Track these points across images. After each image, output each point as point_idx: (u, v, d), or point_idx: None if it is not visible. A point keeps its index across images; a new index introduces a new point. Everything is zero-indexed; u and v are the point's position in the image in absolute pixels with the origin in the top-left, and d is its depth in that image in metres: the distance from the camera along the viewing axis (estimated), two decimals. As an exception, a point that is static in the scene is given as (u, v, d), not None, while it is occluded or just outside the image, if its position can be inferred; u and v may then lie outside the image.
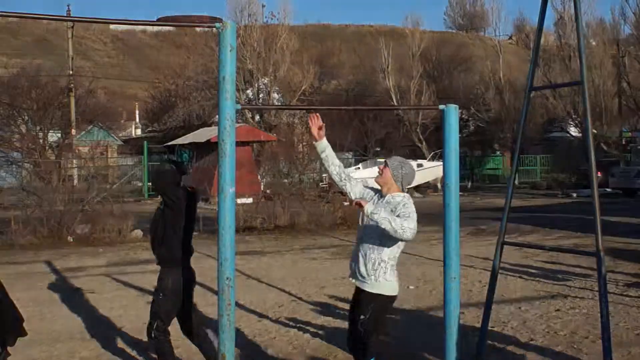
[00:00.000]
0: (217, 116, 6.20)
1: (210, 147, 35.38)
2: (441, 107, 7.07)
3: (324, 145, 7.10)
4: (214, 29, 5.50)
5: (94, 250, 19.29)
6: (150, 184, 28.02)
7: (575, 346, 9.23)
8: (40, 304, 12.22)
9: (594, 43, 52.65)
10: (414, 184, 43.35)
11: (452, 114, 7.08)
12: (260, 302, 12.22)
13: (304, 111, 48.38)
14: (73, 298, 12.90)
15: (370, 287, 7.06)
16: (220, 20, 5.89)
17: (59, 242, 20.59)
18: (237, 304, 9.91)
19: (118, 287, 13.86)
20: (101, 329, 10.57)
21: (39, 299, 12.74)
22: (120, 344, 9.73)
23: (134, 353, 9.29)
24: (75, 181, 28.80)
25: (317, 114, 7.03)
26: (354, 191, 7.23)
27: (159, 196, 7.64)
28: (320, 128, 7.00)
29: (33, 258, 18.20)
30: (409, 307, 11.86)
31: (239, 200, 23.56)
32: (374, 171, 39.06)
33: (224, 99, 5.75)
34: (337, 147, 37.33)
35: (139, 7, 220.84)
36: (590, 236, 18.04)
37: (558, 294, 12.61)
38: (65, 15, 48.47)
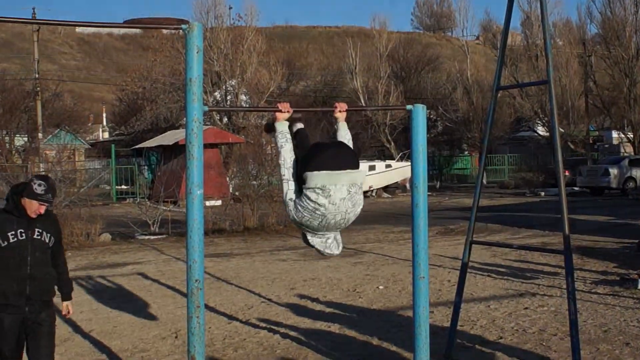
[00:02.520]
0: (184, 118, 6.18)
1: (178, 150, 35.25)
2: (408, 107, 7.07)
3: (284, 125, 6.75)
4: (180, 30, 5.48)
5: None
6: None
7: (544, 344, 9.28)
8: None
9: (560, 43, 53.03)
10: (384, 183, 43.59)
11: (420, 114, 7.09)
12: (229, 304, 12.19)
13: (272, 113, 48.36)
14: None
15: None
16: (186, 22, 5.87)
17: (26, 247, 20.39)
18: (207, 306, 9.89)
19: (87, 291, 13.78)
20: (70, 332, 10.51)
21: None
22: (90, 347, 9.68)
23: (103, 357, 9.24)
24: (43, 185, 28.55)
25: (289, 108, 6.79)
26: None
27: None
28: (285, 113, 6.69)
29: None
30: (378, 306, 11.88)
31: (208, 203, 23.51)
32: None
33: (191, 101, 5.73)
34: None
35: (105, 10, 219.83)
36: (558, 234, 18.18)
37: (526, 292, 12.67)
38: (30, 18, 48.18)
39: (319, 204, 5.86)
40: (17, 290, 6.40)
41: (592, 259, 16.21)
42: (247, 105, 48.61)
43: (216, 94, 47.63)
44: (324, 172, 5.86)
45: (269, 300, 12.52)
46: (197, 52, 5.56)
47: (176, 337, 9.91)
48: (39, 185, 6.49)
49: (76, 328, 10.73)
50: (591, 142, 54.25)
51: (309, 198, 5.87)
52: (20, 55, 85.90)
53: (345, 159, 6.12)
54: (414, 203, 7.17)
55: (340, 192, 5.94)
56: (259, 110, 53.75)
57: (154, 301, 12.30)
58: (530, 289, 12.89)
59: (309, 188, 5.86)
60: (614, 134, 55.16)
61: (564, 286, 9.47)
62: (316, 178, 5.83)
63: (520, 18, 52.96)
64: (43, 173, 6.63)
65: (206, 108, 5.91)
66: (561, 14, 60.49)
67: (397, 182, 45.38)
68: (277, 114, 6.60)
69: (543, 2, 8.14)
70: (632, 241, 18.52)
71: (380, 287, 13.54)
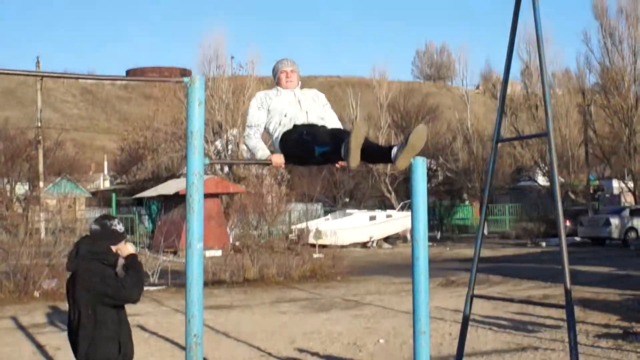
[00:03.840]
0: (185, 168, 6.18)
1: (179, 199, 35.22)
2: (409, 160, 7.05)
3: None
4: (182, 83, 5.47)
5: (60, 306, 19.02)
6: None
7: (546, 399, 9.18)
8: (5, 362, 12.02)
9: (560, 92, 53.22)
10: (384, 234, 43.49)
11: (420, 166, 7.08)
12: (229, 358, 12.08)
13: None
14: (39, 355, 12.69)
15: None
16: (189, 72, 5.87)
17: (25, 297, 20.29)
18: (206, 360, 9.77)
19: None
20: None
21: (3, 356, 12.52)
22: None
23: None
24: (43, 234, 28.53)
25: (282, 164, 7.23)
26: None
27: None
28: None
29: (-2, 314, 17.95)
30: (379, 360, 11.77)
31: (208, 253, 23.43)
32: (342, 222, 38.90)
33: (192, 153, 5.71)
34: (306, 198, 37.31)
35: (108, 59, 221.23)
36: (560, 286, 18.01)
37: (529, 345, 12.55)
38: (35, 68, 48.45)
39: None
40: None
41: (595, 312, 16.09)
42: (248, 155, 48.62)
43: (217, 143, 47.70)
44: None
45: (269, 354, 12.40)
46: (198, 105, 5.55)
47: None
48: (117, 222, 6.29)
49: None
50: (592, 191, 54.23)
51: None
52: (23, 104, 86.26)
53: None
54: (415, 256, 7.12)
55: None
56: (259, 163, 53.78)
57: (152, 354, 12.18)
58: (533, 343, 12.78)
59: None
60: (615, 184, 55.20)
61: (567, 339, 9.36)
62: None
63: (519, 67, 53.23)
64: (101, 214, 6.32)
65: (207, 161, 5.90)
66: (560, 64, 60.66)
67: (397, 233, 45.29)
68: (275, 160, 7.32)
69: (542, 53, 8.15)
70: (634, 293, 18.42)
71: (381, 340, 13.42)
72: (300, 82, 7.62)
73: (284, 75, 7.47)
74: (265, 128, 7.53)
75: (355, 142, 6.68)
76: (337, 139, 6.92)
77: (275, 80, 7.62)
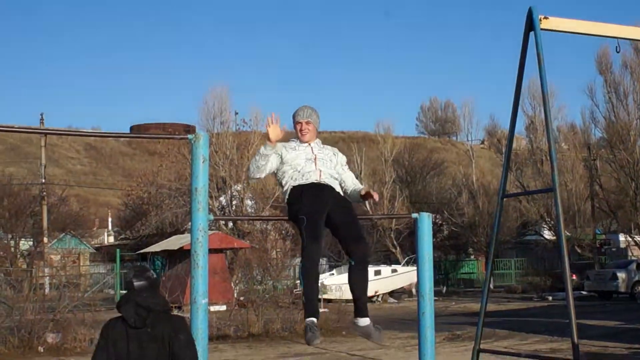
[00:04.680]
0: (189, 223, 6.17)
1: (183, 254, 35.15)
2: (414, 215, 7.08)
3: (273, 149, 7.27)
4: (187, 140, 5.49)
5: (64, 361, 18.96)
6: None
7: None
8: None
9: (565, 147, 53.34)
10: (390, 288, 43.35)
11: (425, 222, 7.08)
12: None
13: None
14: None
15: None
16: (193, 128, 5.89)
17: (29, 352, 20.23)
18: (210, 417, 9.70)
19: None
20: None
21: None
22: None
23: None
24: (47, 289, 28.53)
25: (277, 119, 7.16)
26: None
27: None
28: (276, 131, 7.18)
29: (2, 370, 17.87)
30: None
31: (212, 308, 23.35)
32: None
33: (197, 210, 5.73)
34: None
35: (112, 114, 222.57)
36: (568, 340, 17.91)
37: (536, 401, 12.44)
38: (39, 124, 48.71)
39: None
40: None
41: (602, 366, 15.97)
42: (253, 211, 48.62)
43: (221, 198, 47.78)
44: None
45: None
46: (202, 162, 5.57)
47: None
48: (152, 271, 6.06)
49: None
50: (598, 245, 54.03)
51: None
52: (28, 160, 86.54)
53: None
54: (421, 311, 7.09)
55: None
56: (263, 219, 53.86)
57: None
58: (540, 398, 12.66)
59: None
60: (621, 237, 54.97)
61: (575, 396, 9.27)
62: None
63: (524, 123, 53.40)
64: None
65: (211, 217, 5.91)
66: (565, 119, 60.89)
67: (403, 287, 45.15)
68: (269, 135, 7.12)
69: (547, 109, 8.19)
70: (642, 347, 18.30)
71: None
72: (317, 134, 7.52)
73: (299, 127, 7.37)
74: (274, 173, 7.44)
75: None
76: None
77: (295, 129, 7.53)
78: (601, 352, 18.22)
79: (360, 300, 7.01)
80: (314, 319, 6.80)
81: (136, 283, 5.70)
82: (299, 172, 7.24)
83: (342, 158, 7.64)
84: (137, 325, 5.58)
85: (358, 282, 6.99)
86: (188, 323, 5.88)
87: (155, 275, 5.82)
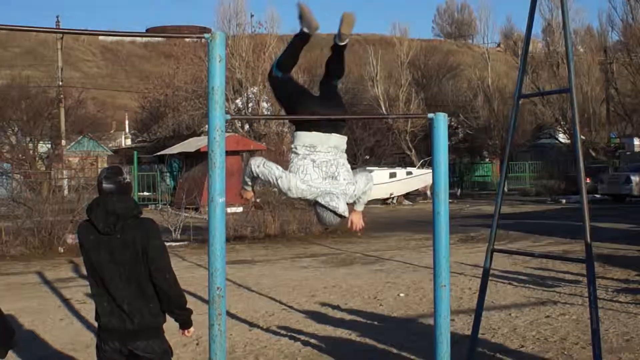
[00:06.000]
0: (206, 126, 6.21)
1: (200, 157, 35.38)
2: (430, 115, 7.08)
3: None
4: (203, 39, 5.51)
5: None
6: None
7: (565, 352, 9.26)
8: (32, 315, 12.21)
9: (581, 50, 52.89)
10: (404, 191, 43.56)
11: (441, 122, 7.10)
12: (250, 311, 12.24)
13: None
14: (64, 308, 12.89)
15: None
16: (209, 30, 5.92)
17: (49, 253, 20.56)
18: (228, 314, 9.92)
19: (109, 298, 13.82)
20: (92, 339, 10.58)
21: (30, 309, 12.73)
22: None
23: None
24: (66, 192, 28.76)
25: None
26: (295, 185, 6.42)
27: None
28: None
29: (24, 269, 18.19)
30: (399, 314, 11.89)
31: (229, 210, 23.57)
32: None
33: (214, 109, 5.77)
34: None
35: (128, 18, 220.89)
36: (580, 242, 18.11)
37: (548, 300, 12.64)
38: (54, 27, 48.47)
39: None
40: None
41: (614, 267, 16.14)
42: (269, 113, 48.65)
43: (238, 101, 47.75)
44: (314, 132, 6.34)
45: (290, 307, 12.54)
46: (219, 61, 5.59)
47: (197, 344, 9.94)
48: (127, 173, 5.79)
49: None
50: (612, 149, 53.95)
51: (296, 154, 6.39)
52: (44, 63, 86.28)
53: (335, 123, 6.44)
54: (436, 211, 7.18)
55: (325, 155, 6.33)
56: (279, 119, 53.71)
57: (175, 308, 12.33)
58: (552, 297, 12.86)
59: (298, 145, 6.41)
60: (636, 141, 54.82)
61: (586, 294, 9.42)
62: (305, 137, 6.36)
63: (541, 25, 52.90)
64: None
65: (228, 116, 5.95)
66: (582, 21, 60.46)
67: (417, 189, 45.35)
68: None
69: (565, 9, 8.13)
70: (654, 249, 18.46)
71: (401, 294, 13.55)
72: None
73: None
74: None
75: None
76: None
77: None
78: (613, 254, 18.39)
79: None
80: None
81: (105, 185, 5.53)
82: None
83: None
84: (106, 231, 5.42)
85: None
86: (158, 227, 5.69)
87: (127, 179, 5.65)
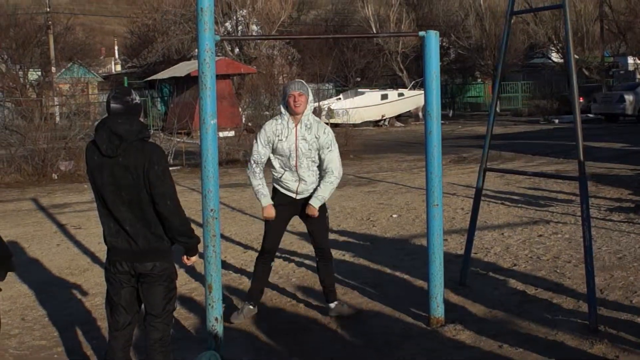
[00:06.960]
0: (196, 50, 6.18)
1: (191, 81, 35.22)
2: (421, 33, 7.03)
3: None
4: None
5: (78, 187, 19.27)
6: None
7: (558, 271, 9.32)
8: (28, 241, 12.25)
9: (575, -34, 52.30)
10: (396, 112, 43.52)
11: (433, 40, 7.05)
12: (245, 234, 12.29)
13: (283, 43, 48.01)
14: (60, 234, 12.94)
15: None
16: (197, -49, 5.81)
17: (43, 180, 20.60)
18: (222, 236, 9.96)
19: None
20: (89, 263, 10.63)
21: (26, 235, 12.77)
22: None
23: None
24: (57, 119, 28.70)
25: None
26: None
27: None
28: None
29: (19, 196, 18.21)
30: (392, 235, 11.95)
31: (221, 134, 23.55)
32: (354, 101, 38.74)
33: (203, 30, 5.71)
34: (317, 78, 37.24)
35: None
36: (573, 162, 18.17)
37: (540, 219, 12.69)
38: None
39: None
40: None
41: (607, 186, 16.19)
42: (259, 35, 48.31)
43: (227, 24, 47.33)
44: None
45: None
46: (208, -18, 5.52)
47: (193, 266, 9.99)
48: (135, 94, 5.62)
49: (95, 259, 10.85)
50: (606, 68, 53.71)
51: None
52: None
53: None
54: (428, 130, 7.17)
55: None
56: (270, 39, 53.41)
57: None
58: (544, 217, 12.91)
59: None
60: (630, 60, 54.51)
61: (578, 213, 9.46)
62: None
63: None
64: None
65: (218, 37, 5.90)
66: None
67: (409, 111, 45.31)
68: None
69: None
70: (646, 167, 18.51)
71: (394, 215, 13.60)
72: (309, 105, 7.54)
73: (292, 99, 7.36)
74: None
75: None
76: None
77: (284, 103, 7.51)
78: (606, 173, 18.43)
79: (327, 288, 7.92)
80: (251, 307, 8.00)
81: (113, 105, 5.40)
82: (282, 168, 7.78)
83: (325, 140, 7.73)
84: (108, 153, 5.32)
85: (323, 274, 7.93)
86: (163, 152, 5.54)
87: (136, 100, 5.50)
